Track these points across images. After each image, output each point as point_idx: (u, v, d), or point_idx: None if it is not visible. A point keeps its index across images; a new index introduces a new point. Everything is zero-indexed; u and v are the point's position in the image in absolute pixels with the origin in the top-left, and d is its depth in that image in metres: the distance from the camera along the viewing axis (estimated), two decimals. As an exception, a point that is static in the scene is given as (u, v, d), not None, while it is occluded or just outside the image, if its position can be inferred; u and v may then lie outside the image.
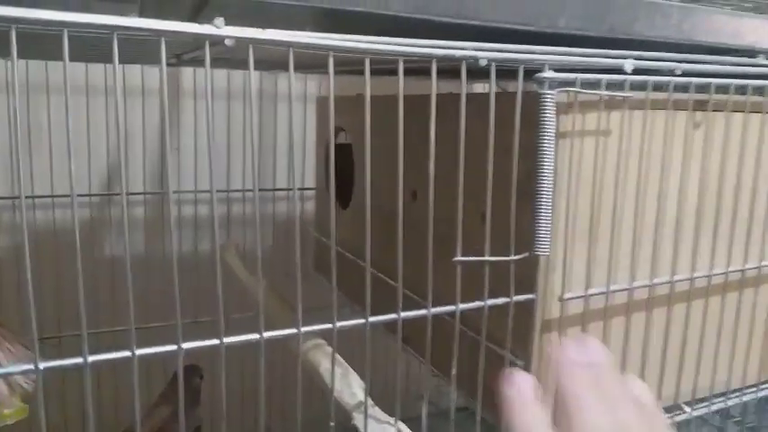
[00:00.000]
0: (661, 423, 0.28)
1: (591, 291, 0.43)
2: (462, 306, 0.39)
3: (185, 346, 0.32)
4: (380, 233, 0.41)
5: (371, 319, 0.37)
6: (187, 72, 0.86)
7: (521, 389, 0.27)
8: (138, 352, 0.31)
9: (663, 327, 0.48)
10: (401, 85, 0.36)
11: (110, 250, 0.84)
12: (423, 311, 0.38)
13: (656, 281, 0.46)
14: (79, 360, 0.30)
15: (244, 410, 0.68)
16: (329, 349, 0.50)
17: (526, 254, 0.40)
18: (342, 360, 0.48)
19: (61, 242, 0.77)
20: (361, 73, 0.36)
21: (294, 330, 0.36)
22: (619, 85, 0.41)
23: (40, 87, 0.75)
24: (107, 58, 0.60)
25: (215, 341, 0.33)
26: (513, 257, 0.40)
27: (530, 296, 0.42)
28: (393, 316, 0.37)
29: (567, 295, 0.42)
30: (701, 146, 0.46)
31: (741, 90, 0.46)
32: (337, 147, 0.79)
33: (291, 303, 0.62)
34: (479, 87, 0.60)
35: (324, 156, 0.81)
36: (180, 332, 0.32)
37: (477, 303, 0.40)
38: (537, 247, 0.40)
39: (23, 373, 0.28)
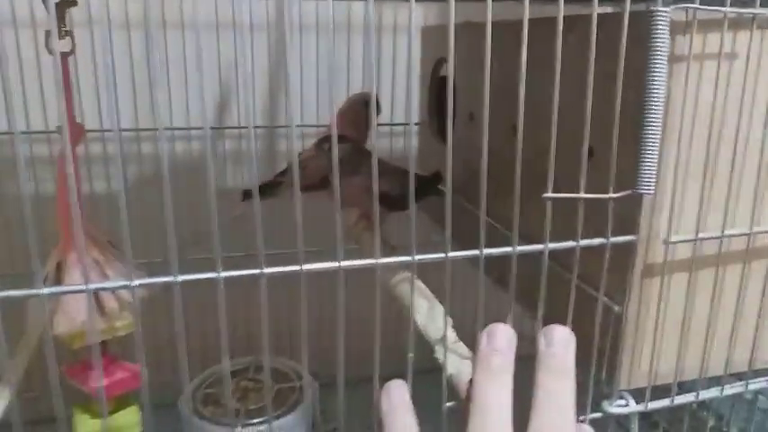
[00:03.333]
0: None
1: (702, 235, 0.39)
2: (552, 245, 0.37)
3: (267, 270, 0.33)
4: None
5: (451, 254, 0.36)
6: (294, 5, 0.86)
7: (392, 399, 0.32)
8: (224, 274, 0.33)
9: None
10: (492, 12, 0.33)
11: (222, 181, 0.89)
12: (507, 249, 0.37)
13: (783, 227, 0.41)
14: (170, 278, 0.32)
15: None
16: (419, 283, 0.50)
17: (628, 191, 0.37)
18: (429, 294, 0.48)
19: (179, 172, 0.82)
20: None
21: (372, 261, 0.36)
22: (749, 1, 0.36)
23: (157, 23, 0.79)
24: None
25: (296, 268, 0.34)
26: (611, 195, 0.37)
27: (630, 237, 0.38)
28: (475, 252, 0.36)
29: (673, 238, 0.39)
30: None
31: None
32: (441, 79, 0.77)
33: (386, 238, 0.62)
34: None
35: (426, 90, 0.79)
36: (261, 258, 0.33)
37: (568, 243, 0.37)
38: (640, 185, 0.36)
39: (119, 288, 0.31)
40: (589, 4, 0.34)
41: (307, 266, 0.34)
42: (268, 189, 0.61)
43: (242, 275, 0.33)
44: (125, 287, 0.31)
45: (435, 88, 0.77)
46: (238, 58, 0.83)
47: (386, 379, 0.35)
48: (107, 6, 0.32)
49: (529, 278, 0.39)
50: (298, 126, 0.88)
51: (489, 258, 0.37)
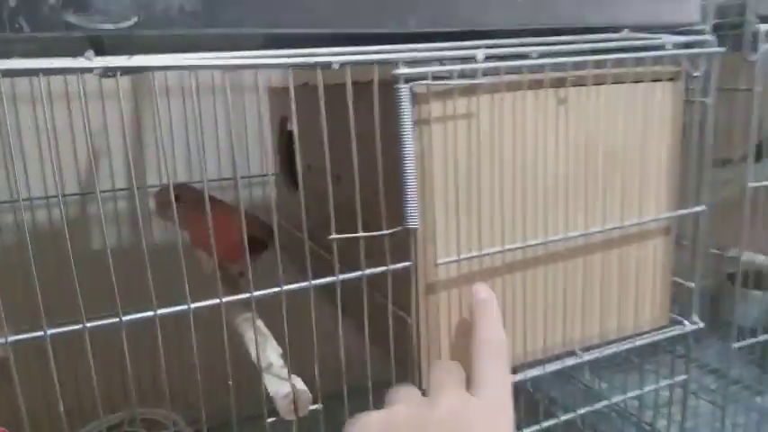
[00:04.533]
0: None
1: (463, 255, 0.49)
2: (342, 276, 0.45)
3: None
4: (317, 212, 0.47)
5: (285, 287, 0.44)
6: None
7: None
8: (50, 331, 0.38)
9: (540, 284, 0.53)
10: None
11: (89, 244, 0.92)
12: (305, 284, 0.45)
13: (528, 243, 0.51)
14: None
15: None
16: (258, 322, 0.57)
17: (399, 227, 0.46)
18: (264, 329, 0.55)
19: (46, 240, 0.85)
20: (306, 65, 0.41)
21: (216, 300, 0.43)
22: (483, 72, 0.46)
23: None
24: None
25: (150, 313, 0.40)
26: (385, 232, 0.46)
27: (406, 264, 0.47)
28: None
29: (440, 261, 0.48)
30: (566, 120, 0.51)
31: (604, 64, 0.51)
32: (290, 133, 0.85)
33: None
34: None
35: (277, 144, 0.87)
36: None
37: (355, 273, 0.46)
38: (407, 221, 0.46)
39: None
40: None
41: (161, 311, 0.40)
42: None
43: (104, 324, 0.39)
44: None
45: (283, 142, 0.85)
46: (98, 127, 0.87)
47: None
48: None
49: (358, 304, 0.47)
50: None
51: (329, 289, 0.46)
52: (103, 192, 0.90)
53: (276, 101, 0.87)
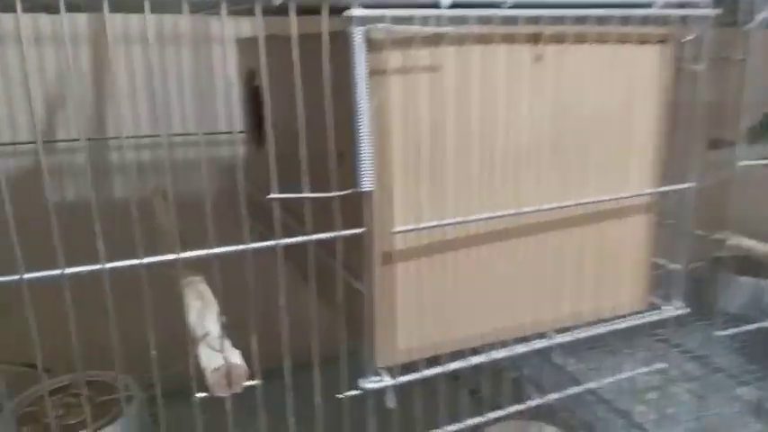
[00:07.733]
0: None
1: (423, 224, 0.45)
2: (284, 241, 0.41)
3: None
4: (280, 171, 0.43)
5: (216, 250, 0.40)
6: (116, 18, 0.86)
7: None
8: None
9: (507, 260, 0.49)
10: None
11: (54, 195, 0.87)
12: (242, 246, 0.40)
13: (497, 213, 0.47)
14: None
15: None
16: (200, 285, 0.52)
17: (350, 190, 0.42)
18: (208, 295, 0.51)
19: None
20: (274, 13, 0.38)
21: (172, 256, 0.40)
22: (449, 20, 0.41)
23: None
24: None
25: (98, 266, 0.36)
26: (334, 194, 0.41)
27: (358, 230, 0.43)
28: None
29: (397, 228, 0.44)
30: (542, 79, 0.46)
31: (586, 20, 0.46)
32: (254, 88, 0.80)
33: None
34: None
35: (246, 99, 0.82)
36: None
37: (301, 238, 0.42)
38: (361, 183, 0.41)
39: None
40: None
41: (110, 264, 0.37)
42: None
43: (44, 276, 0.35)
44: None
45: (250, 97, 0.80)
46: (62, 72, 0.82)
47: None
48: None
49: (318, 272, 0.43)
50: (127, 137, 0.88)
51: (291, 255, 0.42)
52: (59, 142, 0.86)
53: (244, 53, 0.82)
